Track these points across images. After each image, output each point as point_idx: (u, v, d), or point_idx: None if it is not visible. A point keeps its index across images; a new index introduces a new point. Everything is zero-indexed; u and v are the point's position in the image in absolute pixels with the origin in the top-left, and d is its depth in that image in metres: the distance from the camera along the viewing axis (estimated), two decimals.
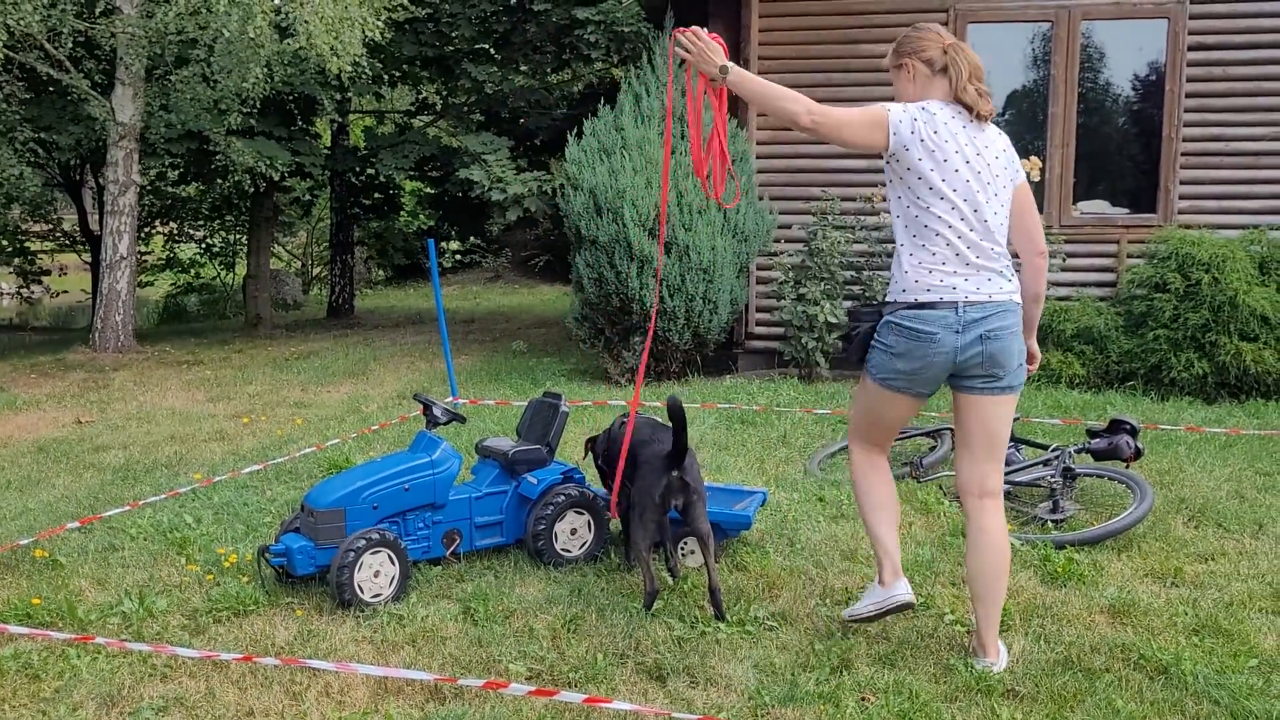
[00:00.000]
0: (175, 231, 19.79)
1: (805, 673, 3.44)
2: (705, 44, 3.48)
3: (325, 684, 3.38)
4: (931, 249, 3.39)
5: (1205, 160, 8.75)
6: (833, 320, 8.51)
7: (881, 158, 3.47)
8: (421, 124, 16.24)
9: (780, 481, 5.59)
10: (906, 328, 3.38)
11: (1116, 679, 3.39)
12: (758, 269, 9.26)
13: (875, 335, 3.50)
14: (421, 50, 14.32)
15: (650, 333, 4.39)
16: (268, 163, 12.19)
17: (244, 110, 11.67)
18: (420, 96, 17.10)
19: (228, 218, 19.53)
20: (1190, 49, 8.66)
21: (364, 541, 3.96)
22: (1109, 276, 8.85)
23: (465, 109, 15.10)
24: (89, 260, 17.20)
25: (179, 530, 4.86)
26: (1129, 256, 8.77)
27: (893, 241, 8.77)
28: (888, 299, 3.50)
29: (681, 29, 3.51)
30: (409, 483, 4.26)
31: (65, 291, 21.26)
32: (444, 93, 16.19)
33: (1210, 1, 8.63)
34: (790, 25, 9.16)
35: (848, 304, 8.78)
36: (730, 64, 3.48)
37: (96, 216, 15.72)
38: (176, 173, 15.73)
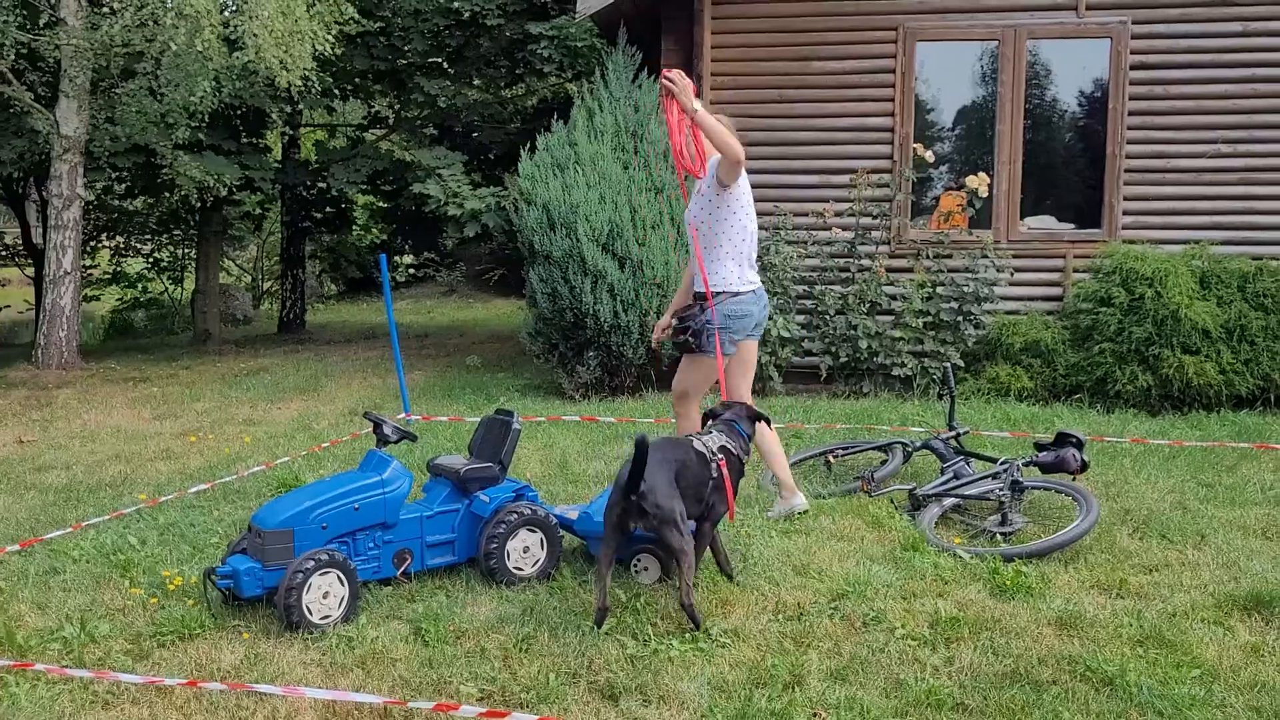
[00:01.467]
0: (122, 245, 19.46)
1: (758, 689, 3.44)
2: (686, 83, 4.72)
3: (272, 708, 3.33)
4: (744, 256, 5.05)
5: (1148, 177, 8.92)
6: (786, 335, 8.57)
7: (723, 187, 4.96)
8: (374, 138, 16.14)
9: None
10: (744, 308, 4.99)
11: (1063, 691, 3.43)
12: None
13: (708, 323, 4.89)
14: (373, 64, 14.24)
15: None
16: (215, 178, 12.05)
17: (192, 124, 11.53)
18: (372, 110, 17.01)
19: (176, 231, 19.22)
20: (1133, 68, 8.84)
21: (313, 562, 3.91)
22: (1056, 291, 8.99)
23: (418, 123, 15.03)
24: (32, 275, 16.88)
25: (123, 552, 4.77)
26: (1075, 271, 8.92)
27: (845, 256, 8.84)
28: (719, 291, 4.96)
29: (669, 68, 4.79)
30: (359, 502, 4.22)
31: (7, 306, 20.82)
32: (396, 107, 16.11)
33: (1152, 22, 8.82)
34: (743, 43, 9.22)
35: (799, 317, 8.85)
36: (699, 105, 4.74)
37: (40, 230, 15.43)
38: (123, 186, 15.49)
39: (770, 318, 8.60)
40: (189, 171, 11.71)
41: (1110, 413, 7.91)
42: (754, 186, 9.26)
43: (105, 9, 11.04)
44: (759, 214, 9.14)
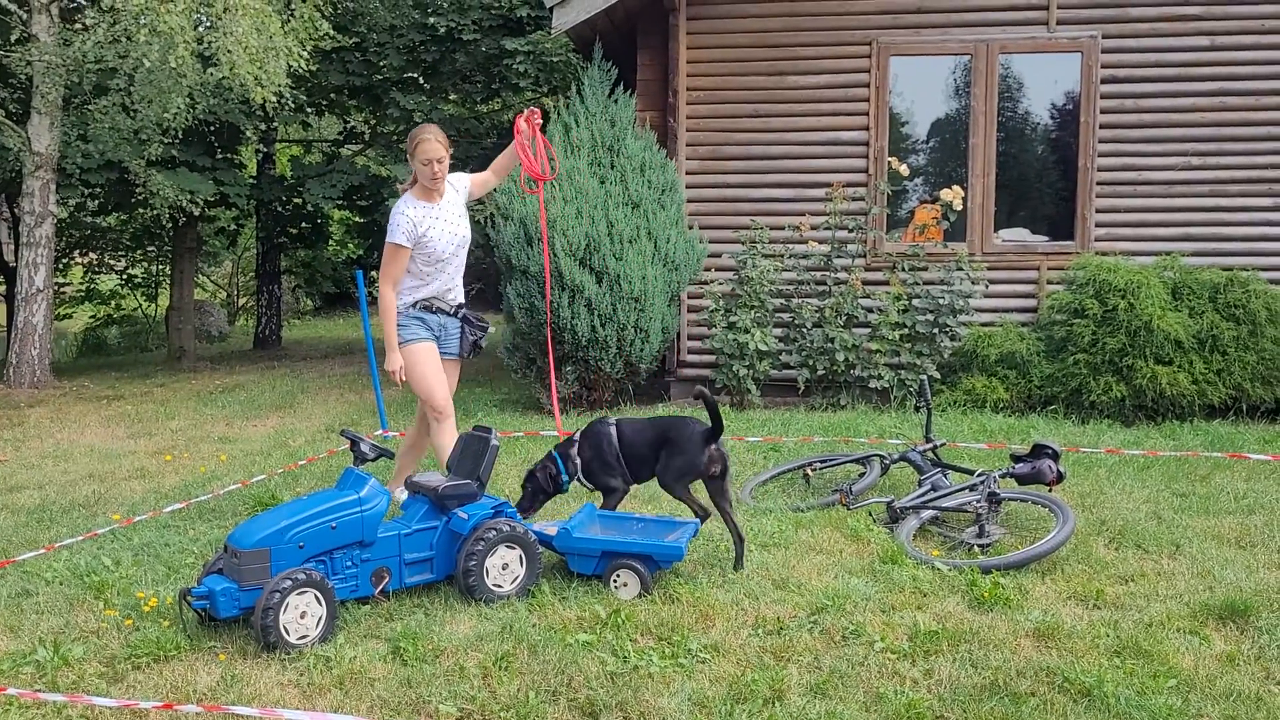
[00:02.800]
0: (95, 262, 19.30)
1: (738, 704, 3.44)
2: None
3: None
4: None
5: (1119, 189, 9.03)
6: (763, 348, 8.59)
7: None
8: (349, 153, 16.10)
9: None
10: None
11: (1042, 702, 3.44)
12: (689, 297, 9.32)
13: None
14: (349, 79, 14.22)
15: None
16: (189, 196, 11.98)
17: (165, 140, 11.47)
18: (348, 125, 16.98)
19: (150, 248, 19.09)
20: (1103, 82, 8.94)
21: (290, 582, 3.88)
22: (1030, 302, 9.07)
23: (394, 138, 15.00)
24: (3, 293, 16.70)
25: (97, 573, 4.71)
26: (1049, 283, 9.00)
27: (821, 270, 8.89)
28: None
29: (536, 110, 5.81)
30: (336, 520, 4.19)
31: None
32: (372, 122, 16.08)
33: (1122, 36, 8.93)
34: (718, 58, 9.27)
35: (776, 330, 8.88)
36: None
37: (12, 248, 15.30)
38: (96, 203, 15.37)
39: (747, 331, 8.64)
40: (162, 191, 11.63)
41: (1085, 423, 7.97)
42: (730, 200, 9.47)
43: (78, 25, 10.98)
44: (736, 227, 9.30)
